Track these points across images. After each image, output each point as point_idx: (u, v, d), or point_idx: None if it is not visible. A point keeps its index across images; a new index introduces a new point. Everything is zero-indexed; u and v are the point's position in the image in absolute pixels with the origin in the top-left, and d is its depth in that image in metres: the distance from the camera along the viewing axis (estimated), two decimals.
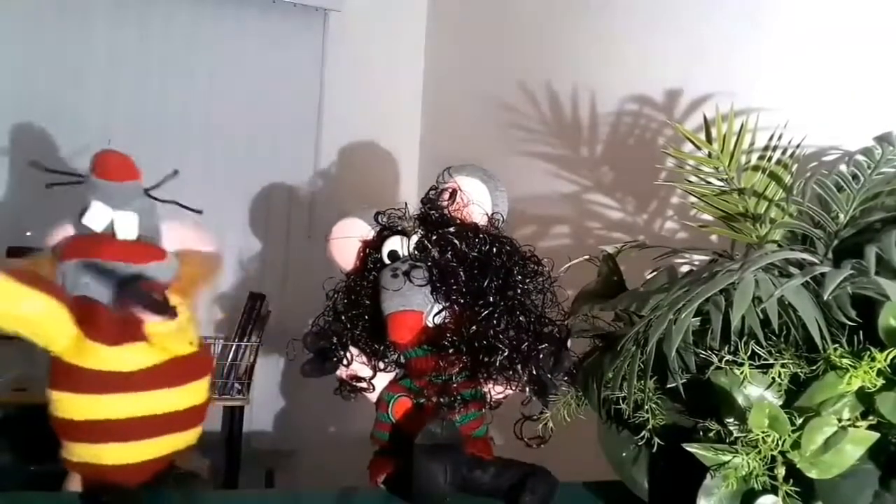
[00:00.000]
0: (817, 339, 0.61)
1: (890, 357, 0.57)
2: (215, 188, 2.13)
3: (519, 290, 0.88)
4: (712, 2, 1.17)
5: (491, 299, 0.86)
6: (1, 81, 2.01)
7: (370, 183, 2.31)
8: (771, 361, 0.63)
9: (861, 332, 0.60)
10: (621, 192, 1.32)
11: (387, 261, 0.91)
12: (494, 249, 0.89)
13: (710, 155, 0.79)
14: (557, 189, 1.48)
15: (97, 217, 0.79)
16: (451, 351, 0.86)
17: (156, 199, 0.83)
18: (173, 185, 0.86)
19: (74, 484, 0.79)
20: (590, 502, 0.84)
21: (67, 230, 0.81)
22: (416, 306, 0.87)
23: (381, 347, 0.91)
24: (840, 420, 0.59)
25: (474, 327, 0.85)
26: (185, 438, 0.82)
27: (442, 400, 0.86)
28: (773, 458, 0.61)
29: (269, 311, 2.06)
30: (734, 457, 0.62)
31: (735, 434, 0.63)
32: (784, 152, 0.81)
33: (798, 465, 0.59)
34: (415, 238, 0.91)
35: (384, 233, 0.94)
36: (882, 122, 0.80)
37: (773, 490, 0.61)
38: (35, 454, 1.58)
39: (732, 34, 1.12)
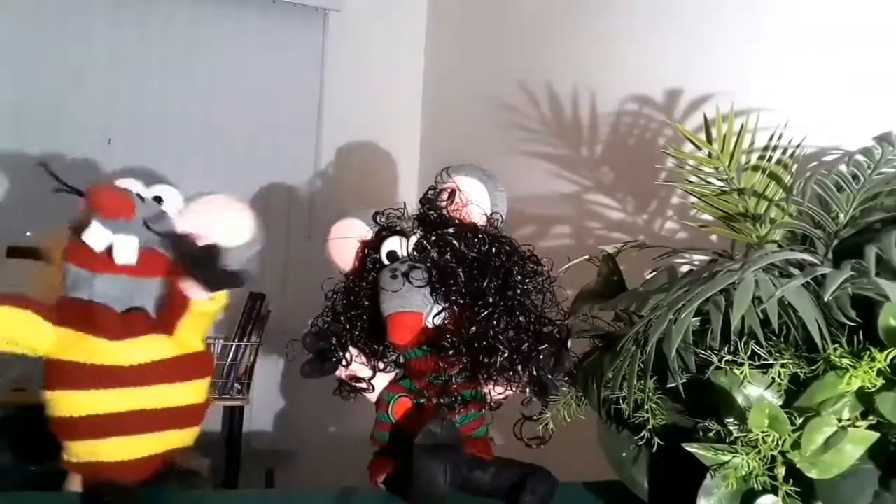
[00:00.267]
0: (817, 340, 0.61)
1: (890, 357, 0.57)
2: (215, 188, 2.12)
3: (518, 290, 0.87)
4: (712, 2, 1.17)
5: (490, 300, 0.86)
6: (1, 81, 2.01)
7: (370, 183, 2.31)
8: (771, 361, 0.63)
9: (861, 332, 0.60)
10: (621, 192, 1.32)
11: (386, 261, 0.91)
12: (494, 249, 0.88)
13: (710, 155, 0.79)
14: (557, 189, 1.48)
15: (96, 238, 0.78)
16: (450, 352, 0.86)
17: (151, 230, 0.81)
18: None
19: (75, 484, 0.79)
20: (590, 502, 0.84)
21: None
22: (416, 307, 0.87)
23: (381, 348, 0.91)
24: (840, 420, 0.59)
25: (474, 328, 0.85)
26: (182, 437, 0.82)
27: (442, 400, 0.86)
28: (773, 458, 0.61)
29: (269, 311, 2.06)
30: (734, 457, 0.62)
31: (735, 434, 0.63)
32: (784, 152, 0.81)
33: (798, 465, 0.59)
34: (414, 239, 0.90)
35: (383, 233, 0.93)
36: (882, 122, 0.80)
37: (773, 490, 0.61)
38: (35, 454, 1.58)
39: (732, 34, 1.12)
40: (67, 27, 2.07)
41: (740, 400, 0.63)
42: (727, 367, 0.64)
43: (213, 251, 0.82)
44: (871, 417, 0.59)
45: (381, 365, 0.93)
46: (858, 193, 0.71)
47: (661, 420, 0.72)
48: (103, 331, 0.77)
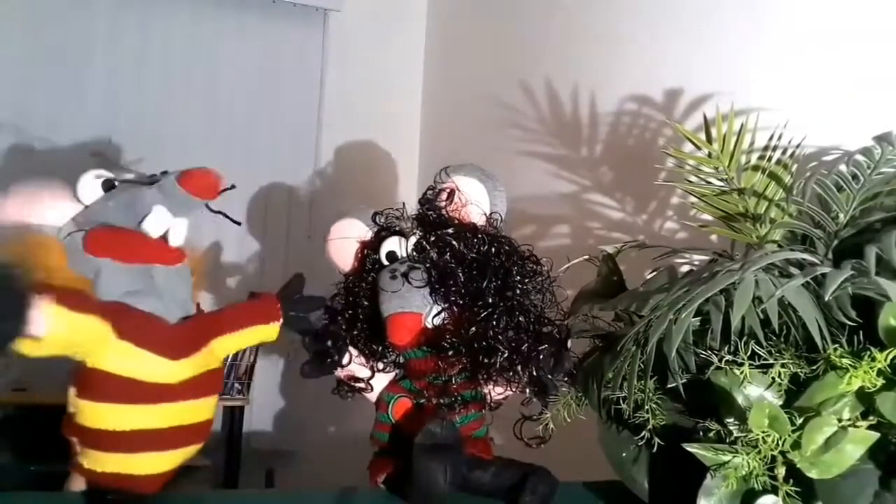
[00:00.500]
0: (817, 340, 0.60)
1: (890, 357, 0.57)
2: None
3: (518, 290, 0.87)
4: (712, 2, 1.17)
5: (490, 300, 0.86)
6: (1, 81, 2.01)
7: (370, 183, 2.30)
8: (771, 361, 0.63)
9: (861, 332, 0.60)
10: (621, 192, 1.32)
11: (385, 262, 0.91)
12: (493, 249, 0.88)
13: (709, 155, 0.79)
14: (557, 189, 1.48)
15: (160, 223, 0.79)
16: (450, 352, 0.86)
17: (211, 210, 0.84)
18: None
19: (76, 484, 0.78)
20: (590, 502, 0.84)
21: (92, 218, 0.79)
22: (415, 308, 0.87)
23: (380, 348, 0.91)
24: (840, 420, 0.59)
25: (473, 328, 0.85)
26: (198, 448, 0.82)
27: (442, 401, 0.86)
28: (773, 458, 0.61)
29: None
30: (734, 457, 0.62)
31: (735, 434, 0.63)
32: (784, 152, 0.81)
33: (798, 465, 0.59)
34: (413, 239, 0.90)
35: (382, 234, 0.94)
36: (882, 122, 0.80)
37: (773, 490, 0.61)
38: (35, 454, 1.58)
39: (732, 34, 1.12)
40: (67, 27, 2.07)
41: (740, 400, 0.63)
42: (727, 367, 0.64)
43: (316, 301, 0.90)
44: (871, 417, 0.59)
45: (380, 365, 0.93)
46: (858, 193, 0.71)
47: (662, 420, 0.72)
48: (162, 349, 0.76)
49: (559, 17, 1.63)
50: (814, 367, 0.62)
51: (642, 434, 0.72)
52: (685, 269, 0.92)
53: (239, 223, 0.92)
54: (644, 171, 1.18)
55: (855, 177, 0.73)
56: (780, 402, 0.63)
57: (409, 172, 2.36)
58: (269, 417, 2.23)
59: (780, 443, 0.60)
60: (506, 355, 0.83)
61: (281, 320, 0.87)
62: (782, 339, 0.65)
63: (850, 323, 0.61)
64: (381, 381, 0.93)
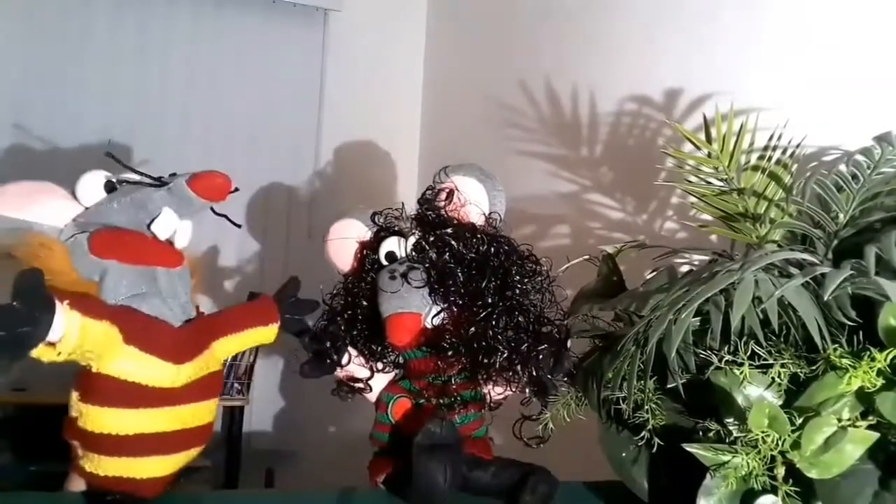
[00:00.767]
0: (817, 340, 0.60)
1: (890, 357, 0.57)
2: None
3: (517, 290, 0.87)
4: (712, 2, 1.17)
5: (489, 300, 0.86)
6: (1, 81, 2.01)
7: (370, 183, 2.31)
8: (771, 361, 0.63)
9: (861, 332, 0.60)
10: (621, 192, 1.32)
11: (384, 262, 0.91)
12: (492, 249, 0.88)
13: (709, 155, 0.79)
14: (557, 189, 1.48)
15: (168, 225, 0.79)
16: (450, 352, 0.86)
17: (215, 212, 0.85)
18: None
19: (75, 484, 0.78)
20: (590, 502, 0.84)
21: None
22: (415, 308, 0.87)
23: (380, 348, 0.91)
24: (840, 420, 0.59)
25: (473, 328, 0.85)
26: (199, 451, 0.82)
27: (441, 401, 0.86)
28: (773, 458, 0.61)
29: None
30: (734, 457, 0.62)
31: (735, 434, 0.63)
32: (784, 152, 0.81)
33: (798, 465, 0.59)
34: (412, 239, 0.90)
35: (381, 234, 0.93)
36: (882, 122, 0.80)
37: (773, 490, 0.61)
38: (35, 454, 1.58)
39: (732, 34, 1.12)
40: (67, 27, 2.07)
41: (740, 400, 0.63)
42: (727, 367, 0.64)
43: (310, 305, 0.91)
44: (870, 417, 0.59)
45: (379, 365, 0.93)
46: (858, 193, 0.71)
47: (661, 420, 0.72)
48: (166, 353, 0.76)
49: (559, 17, 1.63)
50: (813, 367, 0.62)
51: (642, 434, 0.72)
52: (685, 269, 0.92)
53: (240, 226, 0.93)
54: (644, 171, 1.18)
55: (855, 177, 0.72)
56: (780, 402, 0.63)
57: (408, 172, 2.36)
58: (269, 417, 2.23)
59: (780, 443, 0.60)
60: (505, 355, 0.83)
61: (279, 322, 0.87)
62: (782, 339, 0.65)
63: (849, 323, 0.61)
64: (380, 381, 0.93)
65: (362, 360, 0.93)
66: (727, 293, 0.65)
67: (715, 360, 0.65)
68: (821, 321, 0.61)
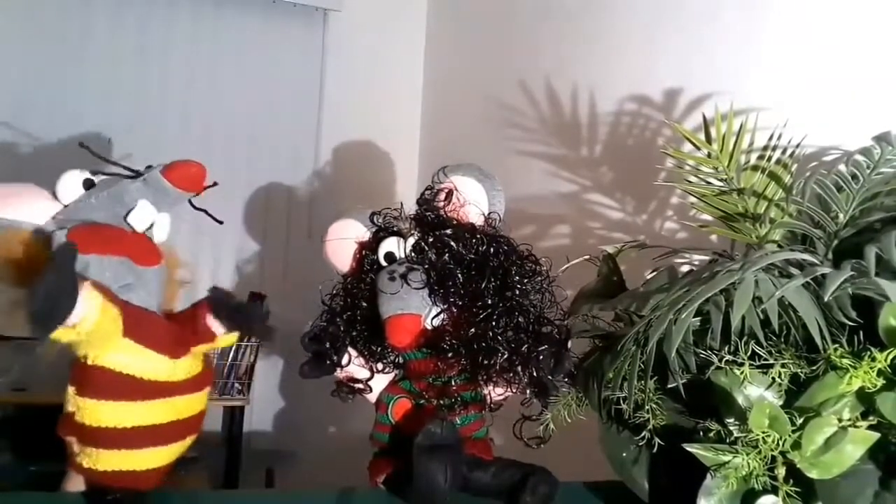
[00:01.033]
0: (817, 340, 0.60)
1: (890, 357, 0.57)
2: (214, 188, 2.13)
3: (517, 291, 0.87)
4: (712, 2, 1.17)
5: (489, 300, 0.86)
6: (1, 80, 2.01)
7: (370, 183, 2.31)
8: (771, 361, 0.63)
9: (861, 332, 0.60)
10: (621, 192, 1.32)
11: (383, 262, 0.91)
12: (492, 250, 0.88)
13: (709, 155, 0.79)
14: (557, 189, 1.48)
15: (144, 217, 0.79)
16: (450, 353, 0.85)
17: (194, 206, 0.84)
18: None
19: (73, 483, 0.78)
20: (590, 502, 0.84)
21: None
22: (414, 309, 0.87)
23: (380, 349, 0.91)
24: (840, 420, 0.59)
25: (473, 329, 0.85)
26: (193, 440, 0.83)
27: (442, 402, 0.86)
28: (774, 459, 0.61)
29: (269, 310, 2.05)
30: (734, 457, 0.61)
31: (735, 434, 0.63)
32: (784, 152, 0.81)
33: (798, 465, 0.59)
34: (411, 240, 0.90)
35: (380, 234, 0.93)
36: (882, 122, 0.80)
37: (774, 490, 0.61)
38: (35, 454, 1.58)
39: (732, 34, 1.12)
40: (67, 26, 2.07)
41: (740, 400, 0.63)
42: (727, 368, 0.64)
43: (253, 308, 0.89)
44: (871, 417, 0.59)
45: (379, 366, 0.93)
46: (858, 193, 0.71)
47: (662, 420, 0.72)
48: (162, 347, 0.76)
49: (559, 17, 1.63)
50: (814, 368, 0.62)
51: (642, 434, 0.72)
52: (685, 269, 0.92)
53: (221, 222, 0.92)
54: (644, 171, 1.18)
55: (854, 177, 0.72)
56: (781, 403, 0.63)
57: (408, 172, 2.36)
58: (269, 417, 2.23)
59: (781, 443, 0.60)
60: (505, 356, 0.83)
61: (219, 335, 0.84)
62: (782, 340, 0.65)
63: (850, 323, 0.61)
64: (380, 382, 0.93)
65: (362, 360, 0.92)
66: (727, 293, 0.65)
67: (715, 360, 0.65)
68: (821, 321, 0.61)
